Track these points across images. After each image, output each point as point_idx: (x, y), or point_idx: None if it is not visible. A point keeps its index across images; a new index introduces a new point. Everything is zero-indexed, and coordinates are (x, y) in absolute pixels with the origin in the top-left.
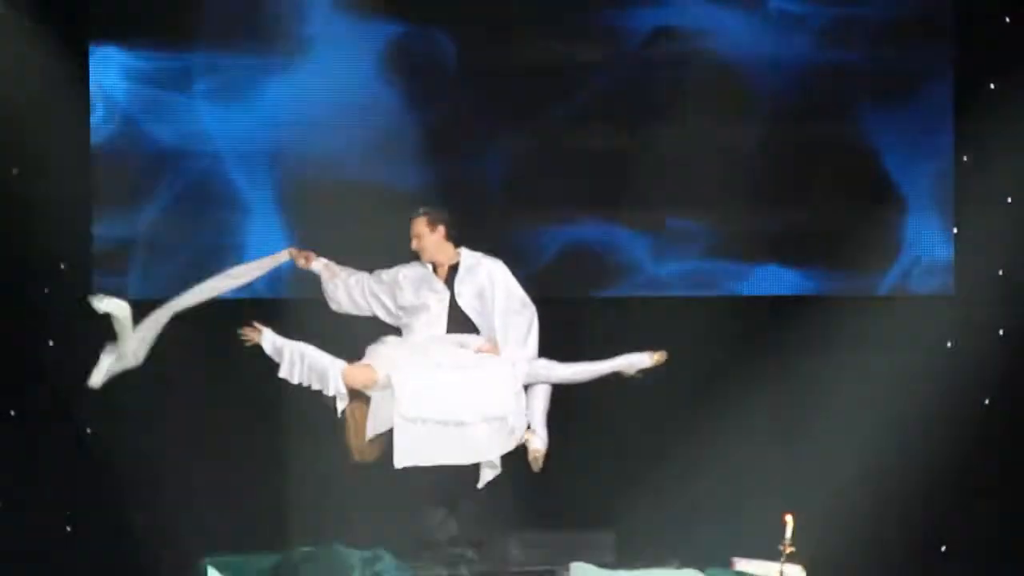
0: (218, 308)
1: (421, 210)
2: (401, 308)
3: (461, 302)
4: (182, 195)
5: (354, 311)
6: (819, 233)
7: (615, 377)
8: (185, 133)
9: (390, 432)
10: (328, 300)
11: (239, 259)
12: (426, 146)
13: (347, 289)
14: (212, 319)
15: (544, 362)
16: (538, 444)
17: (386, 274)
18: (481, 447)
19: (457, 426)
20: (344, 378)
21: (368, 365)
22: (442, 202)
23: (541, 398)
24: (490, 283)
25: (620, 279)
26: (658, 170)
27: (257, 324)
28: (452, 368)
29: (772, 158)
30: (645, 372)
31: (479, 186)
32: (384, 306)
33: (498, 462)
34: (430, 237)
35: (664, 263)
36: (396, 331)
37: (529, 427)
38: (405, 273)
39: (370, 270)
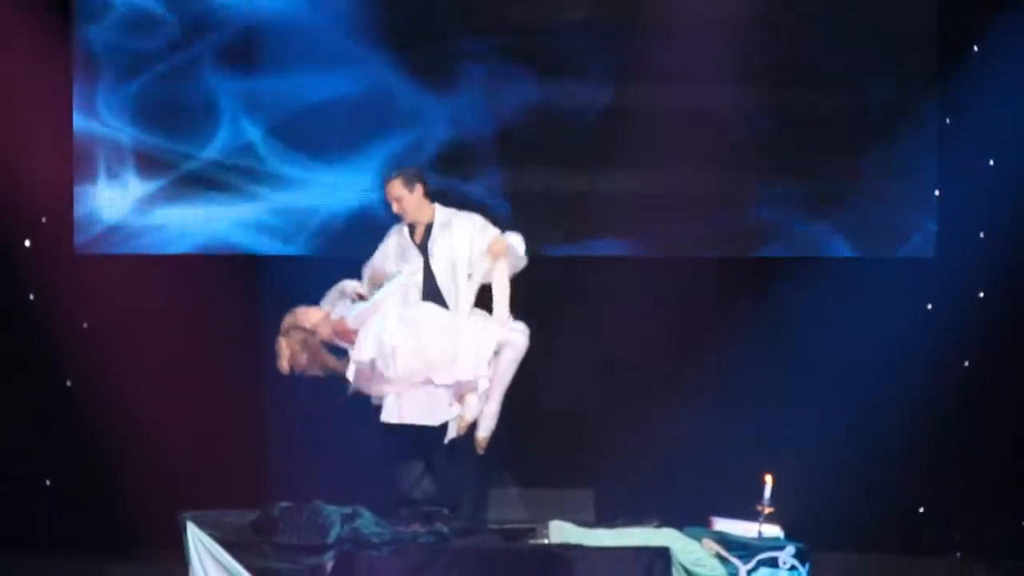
0: (199, 263)
1: (394, 172)
2: (386, 276)
3: (434, 264)
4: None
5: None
6: (800, 196)
7: (597, 336)
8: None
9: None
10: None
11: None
12: None
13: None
14: (194, 274)
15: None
16: (469, 414)
17: (378, 253)
18: (450, 409)
19: (426, 386)
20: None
21: (342, 318)
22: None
23: (503, 374)
24: (461, 240)
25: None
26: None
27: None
28: (426, 328)
29: (750, 121)
30: None
31: None
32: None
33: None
34: (410, 198)
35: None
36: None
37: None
38: (390, 242)
39: None
